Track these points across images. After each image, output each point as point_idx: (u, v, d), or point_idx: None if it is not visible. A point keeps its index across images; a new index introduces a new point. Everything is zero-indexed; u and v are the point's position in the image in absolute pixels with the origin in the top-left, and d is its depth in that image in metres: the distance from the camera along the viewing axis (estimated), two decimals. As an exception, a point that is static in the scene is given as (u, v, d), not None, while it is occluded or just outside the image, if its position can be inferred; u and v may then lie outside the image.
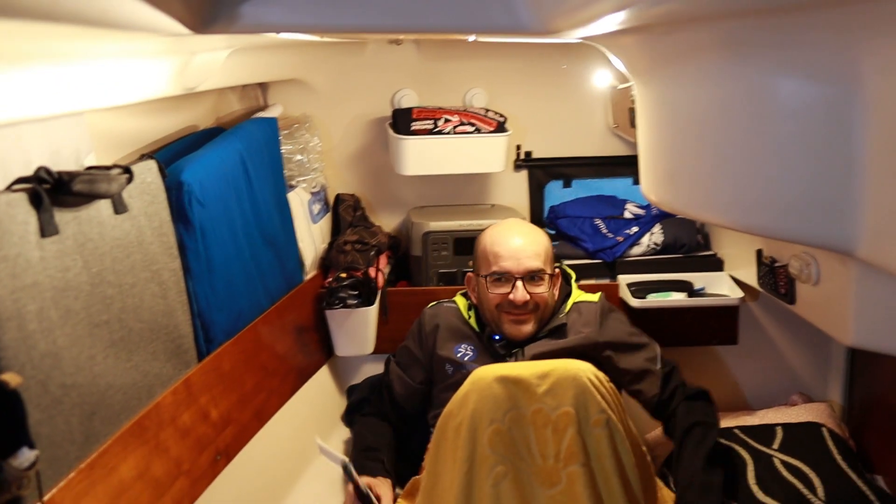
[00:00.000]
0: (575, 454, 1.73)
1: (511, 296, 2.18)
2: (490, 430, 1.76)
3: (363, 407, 2.56)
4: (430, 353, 2.36)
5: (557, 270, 2.36)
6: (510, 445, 1.76)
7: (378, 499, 2.12)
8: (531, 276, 2.21)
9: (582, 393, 1.78)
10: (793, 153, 1.45)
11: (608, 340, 2.28)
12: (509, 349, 2.25)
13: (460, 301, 2.41)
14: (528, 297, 2.19)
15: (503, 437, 1.76)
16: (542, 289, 2.22)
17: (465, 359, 2.28)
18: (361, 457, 2.35)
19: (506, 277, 2.21)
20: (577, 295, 2.38)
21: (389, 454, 2.34)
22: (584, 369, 1.83)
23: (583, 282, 2.72)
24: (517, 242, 2.23)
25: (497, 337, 2.27)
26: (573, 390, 1.78)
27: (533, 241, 2.25)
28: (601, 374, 1.86)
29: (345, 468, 2.12)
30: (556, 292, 2.33)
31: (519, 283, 2.19)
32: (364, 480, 2.16)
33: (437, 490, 1.82)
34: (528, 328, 2.23)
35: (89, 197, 1.57)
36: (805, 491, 2.20)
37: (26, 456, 1.26)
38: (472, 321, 2.34)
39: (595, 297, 2.39)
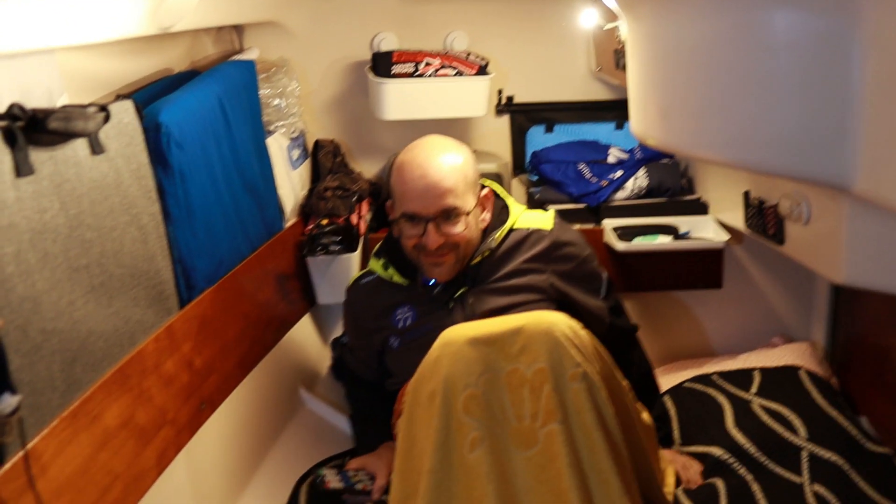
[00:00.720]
0: (552, 412, 1.65)
1: (423, 240, 2.00)
2: (464, 395, 1.68)
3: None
4: (368, 335, 2.22)
5: (486, 192, 2.13)
6: (486, 409, 1.68)
7: (373, 478, 2.05)
8: (445, 216, 1.98)
9: (556, 348, 1.69)
10: (788, 87, 1.42)
11: (559, 276, 2.13)
12: (449, 294, 2.09)
13: (376, 266, 2.20)
14: (440, 241, 1.99)
15: (478, 401, 1.68)
16: (458, 227, 1.99)
17: (408, 323, 2.13)
18: (358, 426, 2.31)
19: (416, 219, 2.00)
20: (518, 218, 2.17)
21: (385, 412, 2.21)
22: (556, 321, 1.73)
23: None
24: (426, 179, 1.96)
25: (430, 282, 2.11)
26: (546, 345, 1.69)
27: (446, 173, 1.98)
28: (575, 324, 1.76)
29: (319, 478, 2.01)
30: (488, 216, 2.13)
31: (430, 227, 1.97)
32: (355, 464, 2.10)
33: (413, 452, 1.74)
34: (447, 269, 2.05)
35: (65, 135, 1.51)
36: (786, 433, 2.20)
37: (8, 401, 1.23)
38: (396, 277, 2.15)
39: (547, 222, 2.17)
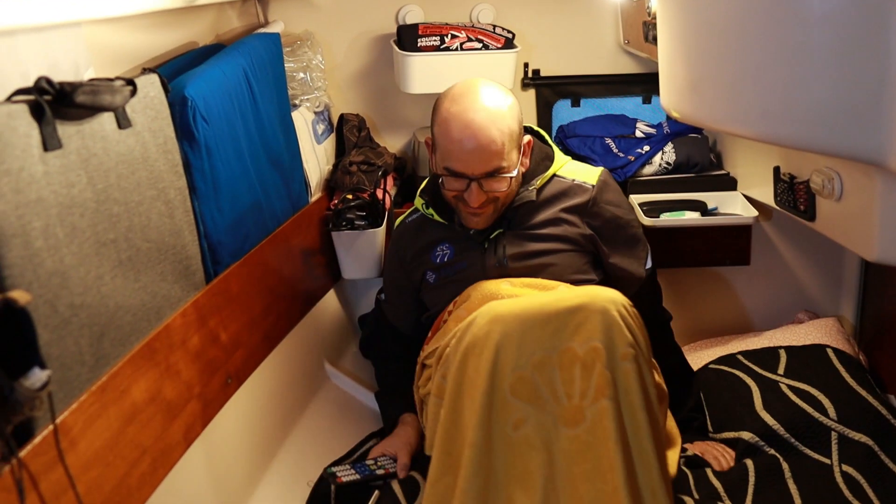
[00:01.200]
0: (603, 388, 1.65)
1: (465, 196, 2.01)
2: (513, 377, 1.69)
3: (376, 340, 2.52)
4: (410, 272, 2.27)
5: (527, 140, 2.12)
6: (533, 391, 1.69)
7: (395, 459, 2.04)
8: (490, 174, 1.99)
9: (610, 327, 1.69)
10: (823, 59, 1.40)
11: (596, 231, 2.14)
12: (485, 234, 2.12)
13: (419, 204, 2.23)
14: (483, 198, 2.00)
15: (526, 383, 1.69)
16: (503, 186, 2.01)
17: (445, 259, 2.17)
18: (382, 401, 2.31)
19: (461, 176, 2.00)
20: (563, 166, 2.19)
21: (409, 382, 2.24)
22: (613, 300, 1.73)
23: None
24: (474, 141, 1.95)
25: None
26: (602, 324, 1.69)
27: (495, 135, 1.95)
28: (628, 304, 1.76)
29: (330, 476, 1.99)
30: (527, 161, 2.12)
31: (474, 186, 1.98)
32: (375, 452, 2.09)
33: (458, 428, 1.74)
34: (484, 220, 2.08)
35: (92, 109, 1.51)
36: (816, 413, 2.18)
37: (38, 376, 1.23)
38: (436, 216, 2.18)
39: (592, 176, 2.17)
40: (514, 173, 2.03)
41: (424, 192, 2.23)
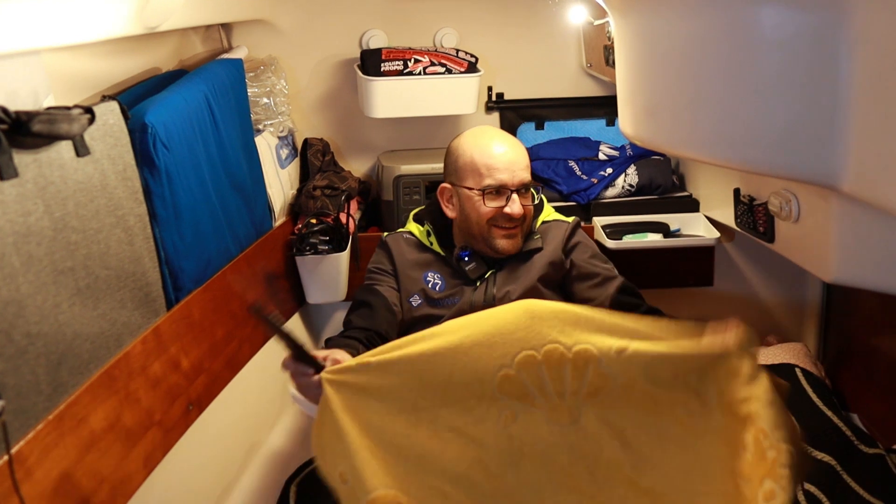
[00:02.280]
0: (598, 388, 1.62)
1: (507, 209, 2.12)
2: (499, 376, 1.71)
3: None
4: (400, 274, 2.23)
5: None
6: (521, 388, 1.67)
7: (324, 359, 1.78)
8: (524, 188, 2.16)
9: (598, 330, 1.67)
10: (776, 85, 1.42)
11: (570, 257, 2.24)
12: (479, 273, 2.19)
13: (415, 228, 2.30)
14: (522, 210, 2.14)
15: (513, 381, 1.71)
16: (530, 201, 2.19)
17: (436, 288, 2.21)
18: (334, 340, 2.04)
19: (501, 190, 2.13)
20: (550, 212, 2.34)
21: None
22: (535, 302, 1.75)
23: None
24: (509, 154, 2.15)
25: (465, 256, 2.20)
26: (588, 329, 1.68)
27: (521, 151, 2.18)
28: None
29: (262, 316, 1.65)
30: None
31: (515, 196, 2.12)
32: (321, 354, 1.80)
33: None
34: (518, 242, 2.18)
35: (49, 138, 1.50)
36: (780, 430, 2.20)
37: (-9, 407, 1.22)
38: (435, 246, 2.25)
39: (568, 218, 2.33)
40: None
41: (423, 222, 2.29)
